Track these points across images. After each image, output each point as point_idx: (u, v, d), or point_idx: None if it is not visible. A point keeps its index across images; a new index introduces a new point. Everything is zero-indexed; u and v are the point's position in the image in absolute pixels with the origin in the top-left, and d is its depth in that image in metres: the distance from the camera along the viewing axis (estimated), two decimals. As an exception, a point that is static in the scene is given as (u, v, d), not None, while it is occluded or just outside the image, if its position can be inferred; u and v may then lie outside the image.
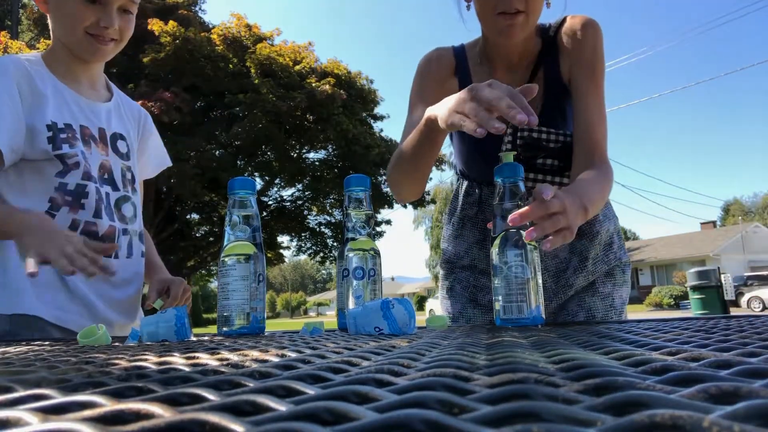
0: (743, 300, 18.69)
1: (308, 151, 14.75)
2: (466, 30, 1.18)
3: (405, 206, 13.11)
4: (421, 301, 32.95)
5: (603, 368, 0.28)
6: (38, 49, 10.73)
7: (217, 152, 13.20)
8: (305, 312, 58.19)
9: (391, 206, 14.70)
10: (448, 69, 1.20)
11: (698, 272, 8.91)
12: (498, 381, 0.25)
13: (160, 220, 13.15)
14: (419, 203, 15.92)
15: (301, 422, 0.17)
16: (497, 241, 0.84)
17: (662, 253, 28.96)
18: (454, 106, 0.84)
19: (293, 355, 0.41)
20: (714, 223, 35.51)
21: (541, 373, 0.26)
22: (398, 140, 1.18)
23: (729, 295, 9.18)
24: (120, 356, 0.45)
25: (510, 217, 0.77)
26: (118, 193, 1.18)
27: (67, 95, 1.14)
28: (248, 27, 13.38)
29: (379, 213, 15.08)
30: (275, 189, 15.52)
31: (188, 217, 15.29)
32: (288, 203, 15.64)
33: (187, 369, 0.33)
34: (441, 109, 0.89)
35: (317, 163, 14.89)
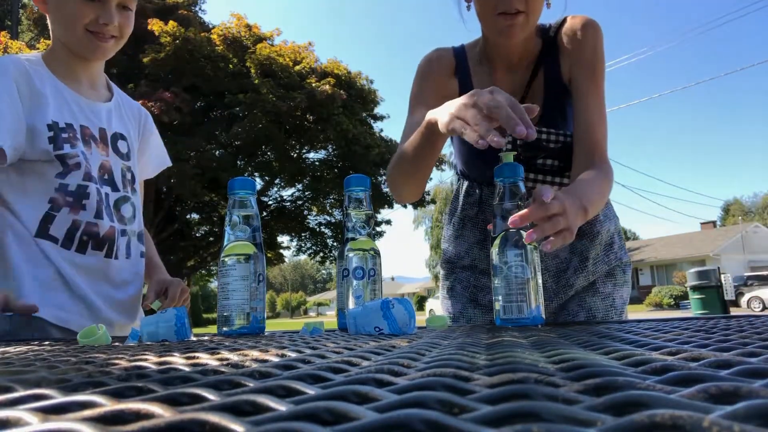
0: (743, 300, 18.69)
1: (308, 151, 14.76)
2: (466, 30, 1.18)
3: (405, 206, 13.12)
4: (421, 301, 32.96)
5: (603, 368, 0.28)
6: (38, 49, 10.73)
7: (217, 152, 13.20)
8: (305, 312, 58.19)
9: (391, 206, 14.71)
10: (449, 69, 1.20)
11: (698, 272, 8.92)
12: (498, 381, 0.25)
13: (160, 220, 13.15)
14: (419, 203, 15.93)
15: (301, 422, 0.17)
16: (497, 241, 0.84)
17: (662, 253, 28.96)
18: (455, 112, 0.84)
19: (293, 355, 0.41)
20: (714, 223, 35.52)
21: (541, 373, 0.26)
22: (398, 140, 1.18)
23: (729, 295, 9.18)
24: (120, 356, 0.45)
25: (510, 219, 0.77)
26: (117, 194, 1.18)
27: (67, 95, 1.14)
28: (248, 27, 13.38)
29: (379, 213, 15.09)
30: (275, 189, 15.53)
31: (188, 217, 15.30)
32: (288, 203, 15.65)
33: (187, 369, 0.33)
34: (442, 114, 0.89)
35: (317, 163, 14.90)
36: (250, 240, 0.90)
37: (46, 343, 0.75)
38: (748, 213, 51.06)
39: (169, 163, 1.46)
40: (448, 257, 1.31)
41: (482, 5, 1.06)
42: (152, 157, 1.40)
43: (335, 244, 15.73)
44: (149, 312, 1.13)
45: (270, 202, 15.35)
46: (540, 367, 0.29)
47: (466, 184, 1.28)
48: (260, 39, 13.27)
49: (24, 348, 0.62)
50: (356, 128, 13.18)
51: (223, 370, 0.33)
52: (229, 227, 0.90)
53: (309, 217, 15.93)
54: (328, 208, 15.54)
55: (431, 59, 1.22)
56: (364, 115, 14.37)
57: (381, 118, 15.06)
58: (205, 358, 0.40)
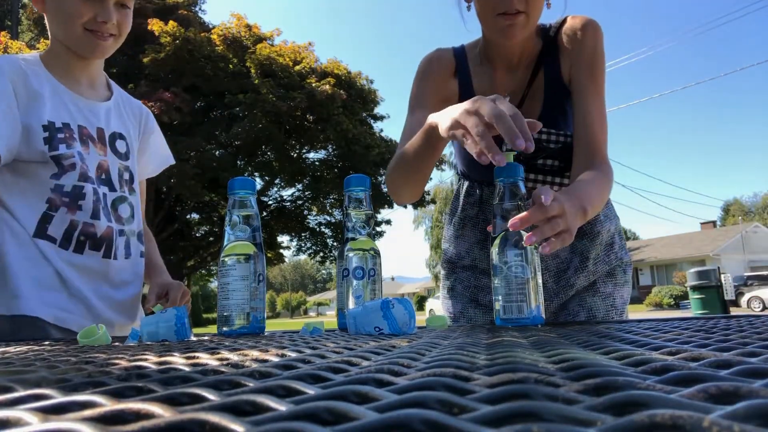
0: (743, 300, 18.69)
1: (308, 151, 14.76)
2: (466, 30, 1.18)
3: (405, 206, 13.08)
4: (421, 301, 32.95)
5: (603, 368, 0.28)
6: (38, 49, 10.73)
7: (217, 152, 13.21)
8: (305, 312, 58.20)
9: (391, 206, 14.71)
10: (449, 70, 1.20)
11: (698, 272, 8.91)
12: (498, 381, 0.25)
13: (160, 220, 13.16)
14: (419, 203, 15.93)
15: (301, 422, 0.17)
16: (497, 241, 0.84)
17: (662, 253, 28.96)
18: (457, 117, 0.84)
19: (293, 354, 0.41)
20: (714, 223, 35.52)
21: (541, 373, 0.26)
22: (398, 140, 1.18)
23: (729, 295, 9.18)
24: (120, 356, 0.45)
25: (510, 222, 0.77)
26: (114, 194, 1.18)
27: (64, 95, 1.14)
28: (248, 27, 13.39)
29: (379, 213, 15.09)
30: (275, 189, 15.54)
31: (188, 217, 15.31)
32: (288, 203, 15.66)
33: (187, 369, 0.33)
34: (443, 118, 0.89)
35: (317, 163, 14.91)
36: (250, 240, 0.90)
37: (46, 343, 0.75)
38: (748, 213, 51.09)
39: (173, 161, 1.45)
40: (448, 257, 1.31)
41: (482, 5, 1.06)
42: (154, 155, 1.39)
43: (335, 244, 15.74)
44: (150, 313, 1.13)
45: (270, 202, 15.36)
46: (540, 367, 0.29)
47: (466, 184, 1.28)
48: (260, 39, 13.28)
49: (24, 348, 0.62)
50: (356, 128, 13.19)
51: (223, 370, 0.33)
52: (229, 227, 0.90)
53: (309, 217, 15.95)
54: (328, 208, 15.56)
55: (431, 59, 1.22)
56: (364, 115, 14.38)
57: (381, 118, 15.07)
58: (205, 358, 0.40)
